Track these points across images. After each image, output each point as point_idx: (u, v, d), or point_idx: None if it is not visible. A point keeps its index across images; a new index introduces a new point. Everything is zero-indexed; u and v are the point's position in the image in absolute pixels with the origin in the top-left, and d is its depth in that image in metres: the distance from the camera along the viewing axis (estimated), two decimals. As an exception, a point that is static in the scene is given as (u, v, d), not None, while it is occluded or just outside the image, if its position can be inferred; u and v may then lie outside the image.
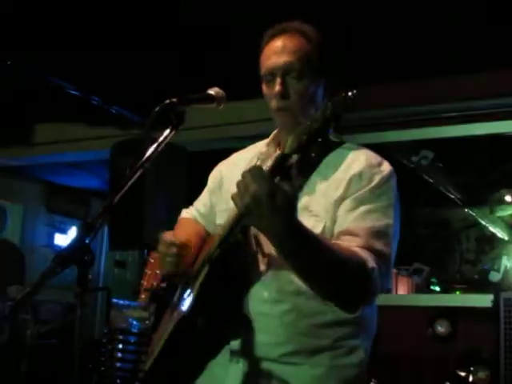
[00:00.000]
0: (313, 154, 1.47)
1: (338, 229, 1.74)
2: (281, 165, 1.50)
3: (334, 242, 1.70)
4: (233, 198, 1.55)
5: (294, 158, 1.47)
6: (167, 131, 1.72)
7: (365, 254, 1.66)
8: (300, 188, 1.55)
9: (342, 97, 1.44)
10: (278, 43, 1.87)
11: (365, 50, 4.43)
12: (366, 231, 1.70)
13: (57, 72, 5.09)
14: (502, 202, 8.29)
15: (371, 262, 1.65)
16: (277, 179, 1.50)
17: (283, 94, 1.83)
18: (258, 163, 1.95)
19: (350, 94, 1.44)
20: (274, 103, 1.87)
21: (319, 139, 1.45)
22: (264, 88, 1.90)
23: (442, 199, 7.67)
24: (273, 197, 1.47)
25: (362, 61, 4.52)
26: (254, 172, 1.50)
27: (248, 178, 1.49)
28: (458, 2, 3.92)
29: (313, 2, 3.88)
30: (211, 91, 1.84)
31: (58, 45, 4.63)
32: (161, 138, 1.70)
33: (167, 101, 1.72)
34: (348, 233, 1.71)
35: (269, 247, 1.78)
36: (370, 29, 4.23)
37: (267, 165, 1.88)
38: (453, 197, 7.67)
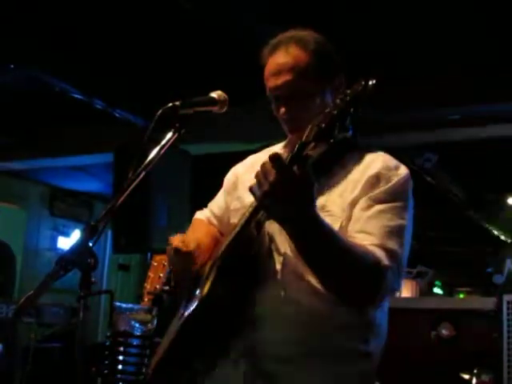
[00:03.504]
0: (331, 140, 1.46)
1: (352, 226, 1.73)
2: (300, 153, 1.49)
3: (349, 239, 1.70)
4: (251, 189, 1.55)
5: (311, 145, 1.47)
6: (170, 134, 1.72)
7: (379, 252, 1.66)
8: (318, 184, 1.54)
9: (361, 84, 1.45)
10: (274, 62, 1.84)
11: (367, 52, 4.43)
12: (380, 230, 1.70)
13: (60, 75, 5.10)
14: (505, 205, 8.29)
15: (385, 261, 1.65)
16: (295, 168, 1.49)
17: (289, 116, 1.83)
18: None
19: (370, 82, 1.45)
20: (283, 124, 1.88)
21: (337, 124, 1.44)
22: (272, 106, 1.90)
23: (445, 202, 7.67)
24: (292, 184, 1.47)
25: (364, 63, 4.52)
26: (272, 160, 1.49)
27: (267, 166, 1.50)
28: (463, 5, 3.92)
29: (317, 3, 3.89)
30: (214, 94, 1.84)
31: (62, 48, 4.64)
32: (163, 142, 1.70)
33: (170, 104, 1.72)
34: (362, 231, 1.71)
35: (284, 246, 1.78)
36: (371, 31, 4.23)
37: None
38: (456, 199, 7.67)
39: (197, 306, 1.76)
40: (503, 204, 8.24)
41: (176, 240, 1.89)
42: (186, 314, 1.83)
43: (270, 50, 1.87)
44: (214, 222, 2.14)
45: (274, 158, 1.49)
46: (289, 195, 1.48)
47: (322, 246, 1.58)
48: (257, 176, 1.52)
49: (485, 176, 6.86)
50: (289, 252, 1.76)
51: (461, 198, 7.72)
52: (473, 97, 4.81)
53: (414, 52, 4.47)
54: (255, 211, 1.67)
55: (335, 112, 1.44)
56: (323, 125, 1.45)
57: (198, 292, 1.85)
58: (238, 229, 1.75)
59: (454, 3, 3.92)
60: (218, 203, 2.15)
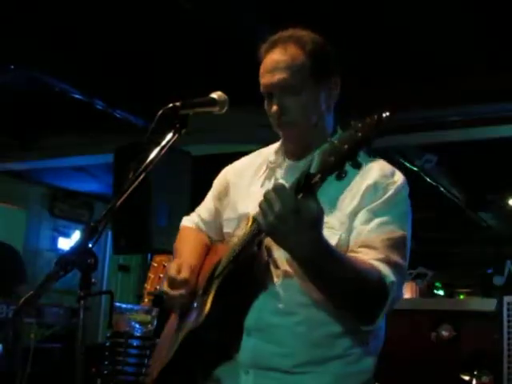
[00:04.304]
0: (343, 175, 1.38)
1: (354, 240, 1.73)
2: (305, 183, 1.44)
3: (352, 255, 1.70)
4: (255, 219, 1.54)
5: (318, 177, 1.41)
6: (170, 135, 1.72)
7: (383, 268, 1.66)
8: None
9: (374, 119, 1.33)
10: (270, 59, 1.83)
11: (369, 53, 4.43)
12: (383, 243, 1.70)
13: (60, 76, 5.10)
14: (506, 206, 8.29)
15: (391, 277, 1.66)
16: (300, 196, 1.45)
17: (281, 113, 1.81)
18: (268, 172, 1.95)
19: (384, 115, 1.33)
20: (274, 120, 1.85)
21: (348, 162, 1.36)
22: (265, 104, 1.88)
23: (445, 203, 7.67)
24: (298, 214, 1.44)
25: (366, 64, 4.52)
26: (277, 190, 1.46)
27: (271, 196, 1.46)
28: (462, 6, 3.92)
29: (317, 3, 3.89)
30: (214, 95, 1.83)
31: (62, 48, 4.64)
32: (164, 142, 1.70)
33: (170, 105, 1.72)
34: (365, 245, 1.71)
35: (282, 259, 1.77)
36: (373, 32, 4.23)
37: (278, 174, 1.88)
38: (456, 200, 7.68)
39: (199, 322, 1.76)
40: (503, 205, 8.24)
41: (173, 269, 1.89)
42: (187, 327, 1.83)
43: (268, 47, 1.86)
44: (203, 227, 2.13)
45: (278, 187, 1.47)
46: (295, 226, 1.46)
47: (329, 270, 1.57)
48: (260, 205, 1.49)
49: (485, 177, 6.87)
50: (286, 265, 1.76)
51: (461, 199, 7.73)
52: (473, 98, 4.81)
53: (414, 53, 4.47)
54: (258, 232, 1.65)
55: (346, 147, 1.34)
56: (332, 158, 1.37)
57: (196, 305, 1.86)
58: (239, 247, 1.74)
59: (453, 4, 3.92)
60: (207, 207, 2.14)
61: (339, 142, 1.36)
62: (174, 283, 1.87)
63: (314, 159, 1.41)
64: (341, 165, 1.37)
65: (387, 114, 1.33)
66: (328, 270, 1.57)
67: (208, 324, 1.74)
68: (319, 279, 1.61)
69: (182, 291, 1.86)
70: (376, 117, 1.33)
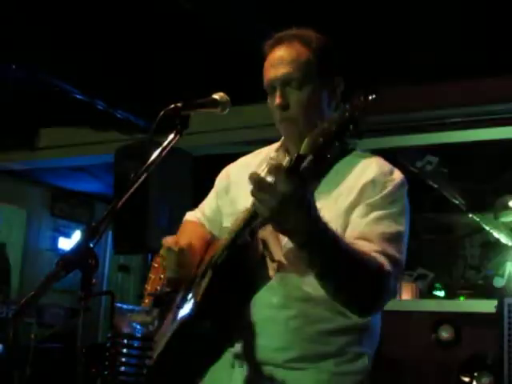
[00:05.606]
0: (328, 155, 1.42)
1: (350, 234, 1.73)
2: (296, 165, 1.43)
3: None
4: (255, 200, 1.49)
5: (309, 159, 1.42)
6: (171, 136, 1.72)
7: (381, 258, 1.66)
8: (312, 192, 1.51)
9: (361, 99, 1.40)
10: (275, 55, 1.85)
11: (371, 54, 4.43)
12: (379, 237, 1.70)
13: (61, 76, 5.10)
14: (507, 208, 8.28)
15: (387, 266, 1.65)
16: (291, 175, 1.44)
17: (283, 106, 1.83)
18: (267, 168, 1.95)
19: (369, 97, 1.40)
20: (276, 115, 1.87)
21: (336, 142, 1.40)
22: (268, 100, 1.90)
23: (446, 204, 7.66)
24: (301, 196, 1.43)
25: (368, 65, 4.52)
26: (278, 172, 1.43)
27: (272, 179, 1.44)
28: (461, 7, 3.92)
29: (320, 5, 3.89)
30: (216, 96, 1.84)
31: (63, 48, 4.64)
32: (165, 143, 1.70)
33: (172, 105, 1.72)
34: (361, 237, 1.70)
35: (277, 252, 1.77)
36: (373, 32, 4.23)
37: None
38: (457, 202, 7.67)
39: (191, 312, 1.75)
40: (505, 207, 8.22)
41: (169, 240, 1.89)
42: (179, 319, 1.82)
43: (273, 44, 1.88)
44: (205, 223, 2.14)
45: (278, 169, 1.44)
46: (296, 206, 1.43)
47: (330, 252, 1.55)
48: (259, 188, 1.46)
49: (486, 178, 6.86)
50: (282, 258, 1.75)
51: (461, 201, 7.72)
52: (474, 99, 4.81)
53: (415, 54, 4.47)
54: (251, 218, 1.64)
55: (334, 128, 1.39)
56: (321, 139, 1.40)
57: (190, 296, 1.85)
58: (232, 234, 1.74)
59: (453, 4, 3.92)
60: (209, 204, 2.15)
61: (328, 123, 1.41)
62: (170, 252, 1.86)
63: (305, 141, 1.43)
64: (330, 145, 1.40)
65: (372, 95, 1.40)
66: (329, 251, 1.54)
67: (200, 314, 1.73)
68: (320, 261, 1.57)
69: (173, 256, 1.86)
70: (362, 97, 1.40)
